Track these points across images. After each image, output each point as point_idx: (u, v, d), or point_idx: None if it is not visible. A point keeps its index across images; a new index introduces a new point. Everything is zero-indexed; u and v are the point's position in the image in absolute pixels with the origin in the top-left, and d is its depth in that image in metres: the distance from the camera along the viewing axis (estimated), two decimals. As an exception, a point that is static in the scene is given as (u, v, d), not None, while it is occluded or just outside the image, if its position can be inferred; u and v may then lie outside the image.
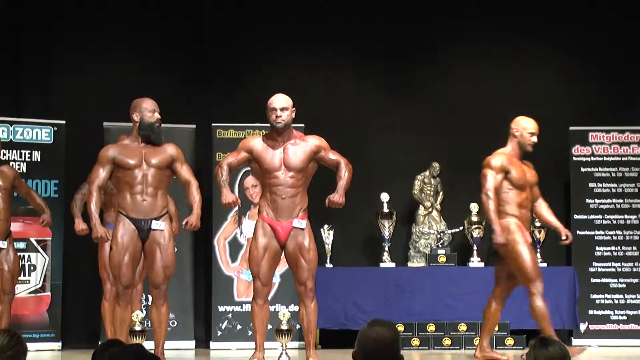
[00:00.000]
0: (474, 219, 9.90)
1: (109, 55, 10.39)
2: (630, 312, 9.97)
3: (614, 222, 10.11)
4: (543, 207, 7.97)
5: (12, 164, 9.24)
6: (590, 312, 9.94)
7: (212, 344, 9.59)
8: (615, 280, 10.02)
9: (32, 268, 9.61)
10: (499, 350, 9.03)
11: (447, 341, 9.24)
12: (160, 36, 10.44)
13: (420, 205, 10.18)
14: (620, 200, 10.12)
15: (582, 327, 9.81)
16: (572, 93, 10.71)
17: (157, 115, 7.52)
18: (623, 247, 10.07)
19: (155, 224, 7.51)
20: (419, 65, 10.62)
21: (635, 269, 10.01)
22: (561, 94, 10.68)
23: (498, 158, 7.77)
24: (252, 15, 10.45)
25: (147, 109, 7.50)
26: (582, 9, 10.52)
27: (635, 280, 10.00)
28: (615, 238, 10.09)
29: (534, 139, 7.82)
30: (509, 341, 9.21)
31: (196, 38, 10.54)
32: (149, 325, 7.81)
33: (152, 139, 7.50)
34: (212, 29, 10.49)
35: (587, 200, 10.13)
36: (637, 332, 9.93)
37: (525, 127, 7.87)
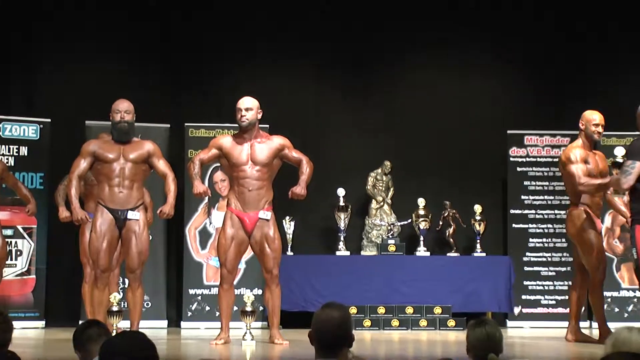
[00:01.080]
0: (421, 212, 9.96)
1: (91, 58, 10.32)
2: (559, 297, 10.08)
3: (546, 216, 10.23)
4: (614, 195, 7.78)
5: (1, 158, 9.14)
6: (524, 297, 10.06)
7: (183, 324, 9.58)
8: (546, 269, 10.16)
9: (18, 253, 9.57)
10: (442, 330, 9.09)
11: (395, 322, 9.26)
12: (138, 41, 10.35)
13: (373, 200, 10.19)
14: (552, 197, 10.22)
15: (516, 310, 9.95)
16: (509, 99, 10.79)
17: (122, 115, 7.52)
18: (553, 239, 10.18)
19: (131, 214, 7.56)
20: (373, 73, 10.64)
21: (563, 259, 10.12)
22: (500, 100, 10.73)
23: (576, 151, 7.63)
24: (222, 25, 10.38)
25: (114, 110, 7.63)
26: (519, 22, 10.57)
27: (564, 269, 10.09)
28: (546, 231, 10.21)
29: (600, 129, 7.75)
30: (451, 323, 9.26)
31: (170, 44, 10.45)
32: (125, 306, 7.80)
33: (114, 136, 7.53)
34: (183, 37, 10.41)
35: (522, 197, 10.24)
36: (565, 315, 9.97)
37: (589, 119, 7.80)
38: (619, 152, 7.61)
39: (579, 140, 7.78)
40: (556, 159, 10.13)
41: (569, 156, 7.63)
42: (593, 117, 7.75)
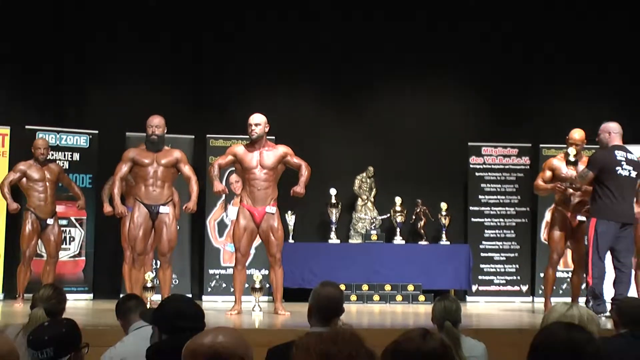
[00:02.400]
0: (398, 208, 9.94)
1: (131, 79, 10.33)
2: (508, 278, 10.14)
3: (498, 212, 10.24)
4: None
5: (58, 162, 9.17)
6: (480, 277, 10.07)
7: (204, 298, 9.56)
8: (498, 255, 10.17)
9: (71, 239, 9.57)
10: (414, 304, 9.10)
11: (376, 297, 9.26)
12: (169, 66, 10.34)
13: (359, 198, 10.20)
14: (503, 197, 10.24)
15: (474, 288, 9.91)
16: (470, 117, 10.74)
17: (153, 130, 7.58)
18: (504, 231, 10.21)
19: (162, 208, 7.59)
20: (359, 95, 10.61)
21: (512, 247, 10.16)
22: (462, 117, 10.69)
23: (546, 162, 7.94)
24: (238, 55, 10.37)
25: (147, 124, 7.71)
26: (477, 51, 10.51)
27: (512, 255, 10.14)
28: (498, 224, 10.23)
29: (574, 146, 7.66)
30: (421, 298, 9.23)
31: (196, 70, 10.45)
32: (157, 283, 7.82)
33: (147, 147, 7.58)
34: (207, 64, 10.41)
35: (479, 197, 10.25)
36: (512, 292, 10.09)
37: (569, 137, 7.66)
38: (572, 152, 7.55)
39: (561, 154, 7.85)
40: (507, 167, 10.25)
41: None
42: (571, 135, 7.67)
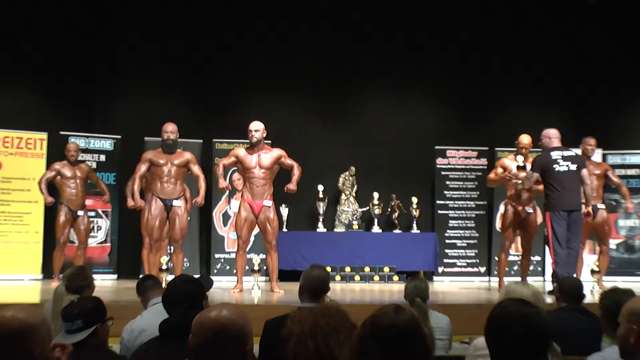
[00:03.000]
0: (375, 202, 9.97)
1: (149, 91, 10.28)
2: (468, 261, 10.18)
3: (460, 205, 10.29)
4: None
5: (88, 163, 9.14)
6: (445, 260, 10.11)
7: (211, 278, 9.51)
8: (460, 241, 10.21)
9: (98, 228, 9.58)
10: (389, 283, 9.10)
11: (357, 278, 9.27)
12: (180, 79, 10.31)
13: (342, 193, 10.20)
14: (465, 192, 10.27)
15: (440, 269, 9.93)
16: (437, 124, 10.75)
17: (167, 135, 7.59)
18: (465, 221, 10.25)
19: (175, 202, 7.58)
20: (343, 104, 10.59)
21: (471, 235, 10.20)
22: (430, 125, 10.71)
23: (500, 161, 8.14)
24: (240, 69, 10.34)
25: (163, 130, 7.74)
26: (445, 66, 10.53)
27: (472, 242, 10.19)
28: (460, 215, 10.26)
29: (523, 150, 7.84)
30: (395, 278, 9.24)
31: (203, 83, 10.42)
32: (171, 266, 7.78)
33: (163, 149, 7.57)
34: (212, 79, 10.38)
35: (445, 192, 10.27)
36: (472, 273, 10.14)
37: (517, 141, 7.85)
38: (520, 159, 7.67)
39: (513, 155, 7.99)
40: (468, 167, 10.27)
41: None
42: (520, 140, 7.85)
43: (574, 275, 6.59)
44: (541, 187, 7.12)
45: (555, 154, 6.92)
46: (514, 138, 8.03)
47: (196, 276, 3.86)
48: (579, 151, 7.62)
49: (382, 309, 2.13)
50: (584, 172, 6.90)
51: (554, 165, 6.86)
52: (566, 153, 6.96)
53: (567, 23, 10.56)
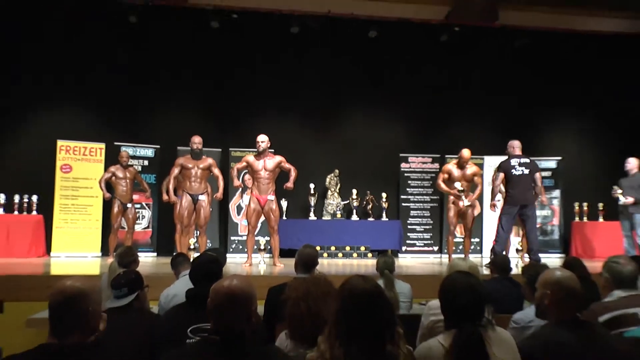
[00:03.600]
0: (354, 197, 9.93)
1: (182, 106, 10.09)
2: (425, 242, 10.12)
3: (419, 199, 10.22)
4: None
5: (135, 167, 9.08)
6: (408, 242, 10.06)
7: (227, 255, 9.34)
8: (419, 227, 10.16)
9: (142, 217, 9.48)
10: (364, 259, 9.08)
11: (340, 255, 9.25)
12: (202, 96, 10.13)
13: (329, 190, 10.15)
14: (422, 189, 10.22)
15: (404, 248, 9.90)
16: (401, 135, 10.65)
17: (195, 145, 7.53)
18: (422, 212, 10.19)
19: (200, 197, 7.53)
20: (330, 121, 10.48)
21: (427, 222, 10.14)
22: (396, 135, 10.59)
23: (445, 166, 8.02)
24: (252, 90, 10.20)
25: (191, 142, 7.64)
26: (409, 92, 10.44)
27: (428, 227, 10.13)
28: (419, 207, 10.20)
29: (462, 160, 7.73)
30: (369, 255, 9.23)
31: (223, 101, 10.32)
32: (197, 246, 7.73)
33: (192, 156, 7.50)
34: (230, 101, 10.26)
35: (407, 189, 10.23)
36: (428, 251, 10.10)
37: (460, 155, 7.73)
38: (458, 185, 7.71)
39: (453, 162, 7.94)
40: (424, 170, 10.23)
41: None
42: (461, 154, 7.80)
43: (504, 253, 6.60)
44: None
45: (514, 161, 6.92)
46: (459, 148, 8.06)
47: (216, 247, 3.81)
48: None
49: (350, 278, 2.19)
50: (537, 175, 6.89)
51: (512, 170, 6.88)
52: (522, 160, 6.95)
53: (498, 62, 10.58)
